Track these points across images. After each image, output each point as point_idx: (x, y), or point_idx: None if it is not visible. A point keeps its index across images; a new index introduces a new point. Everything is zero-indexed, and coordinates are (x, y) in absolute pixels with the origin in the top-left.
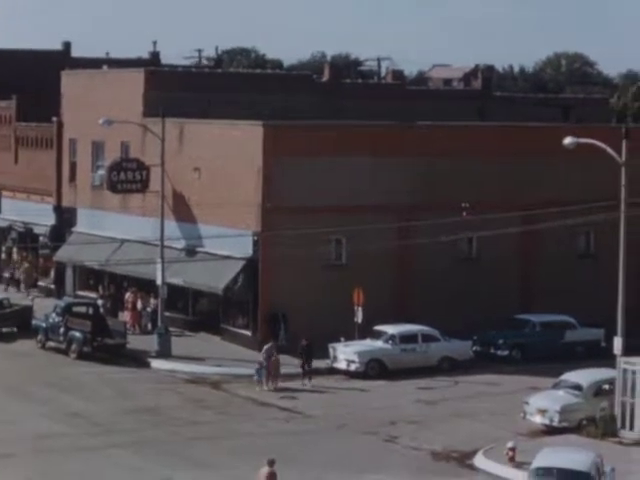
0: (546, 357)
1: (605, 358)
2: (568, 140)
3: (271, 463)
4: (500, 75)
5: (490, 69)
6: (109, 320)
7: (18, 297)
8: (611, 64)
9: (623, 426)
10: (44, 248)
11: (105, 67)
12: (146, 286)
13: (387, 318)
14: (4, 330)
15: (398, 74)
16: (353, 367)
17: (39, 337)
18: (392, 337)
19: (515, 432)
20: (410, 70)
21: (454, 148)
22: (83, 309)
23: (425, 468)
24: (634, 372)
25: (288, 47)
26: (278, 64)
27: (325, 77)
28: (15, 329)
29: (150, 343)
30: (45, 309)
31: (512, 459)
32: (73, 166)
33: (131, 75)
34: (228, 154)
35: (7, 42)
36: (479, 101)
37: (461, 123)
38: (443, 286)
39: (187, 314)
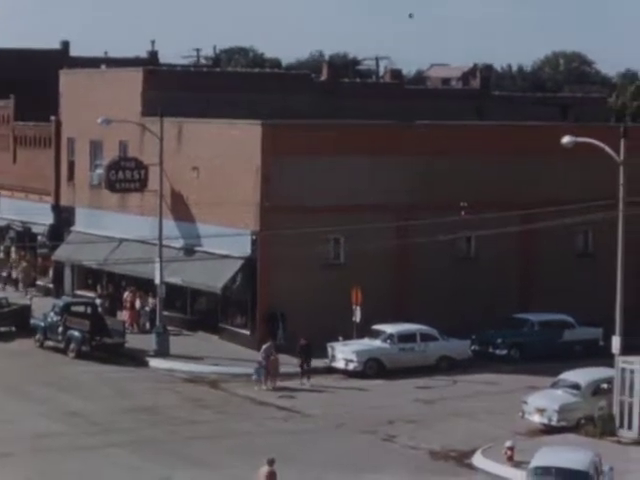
0: (544, 356)
1: (603, 357)
2: (566, 139)
3: (271, 462)
4: (498, 74)
5: (488, 68)
6: (107, 319)
7: (16, 296)
8: (609, 63)
9: (621, 425)
10: (42, 247)
11: (103, 66)
12: (144, 285)
13: (385, 317)
14: (2, 329)
15: (396, 73)
16: (351, 366)
17: (37, 336)
18: (390, 336)
19: (513, 431)
20: (408, 69)
21: (452, 147)
22: (81, 308)
23: (423, 467)
24: (632, 371)
25: (286, 46)
26: (276, 63)
27: (323, 76)
28: (13, 328)
29: (148, 342)
30: (43, 308)
31: (510, 458)
32: (71, 165)
33: (129, 74)
34: (227, 153)
35: (5, 41)
36: (477, 100)
37: (460, 122)
38: (441, 285)
39: (185, 313)
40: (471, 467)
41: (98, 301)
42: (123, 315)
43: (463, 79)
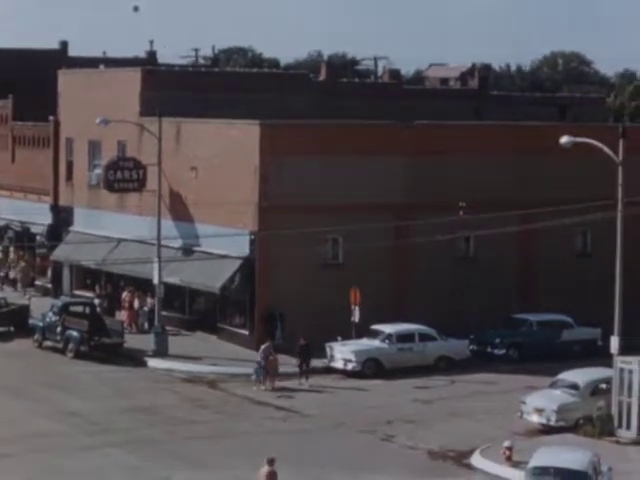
0: (543, 356)
1: (602, 357)
2: (565, 139)
3: (271, 462)
4: (497, 74)
5: (487, 68)
6: (106, 319)
7: (15, 296)
8: (608, 63)
9: (620, 425)
10: (41, 247)
11: (102, 66)
12: (143, 285)
13: (384, 317)
14: (1, 329)
15: (395, 73)
16: (350, 366)
17: (36, 336)
18: (389, 336)
19: (512, 431)
20: (407, 69)
21: (451, 147)
22: (80, 308)
23: (422, 467)
24: (631, 371)
25: (285, 46)
26: (275, 63)
27: (322, 76)
28: (12, 328)
29: (147, 342)
30: (42, 308)
31: (509, 458)
32: (70, 165)
33: (128, 74)
34: (225, 153)
35: (4, 41)
36: (476, 100)
37: (458, 122)
38: (440, 285)
39: (184, 313)
40: (470, 467)
41: (97, 301)
42: (122, 315)
43: (461, 79)
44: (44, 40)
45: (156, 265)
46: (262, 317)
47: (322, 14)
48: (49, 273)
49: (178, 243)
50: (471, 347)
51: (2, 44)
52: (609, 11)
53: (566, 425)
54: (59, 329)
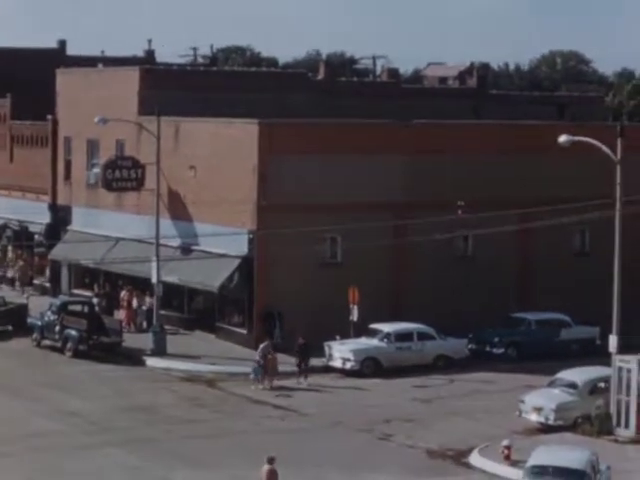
0: (541, 355)
1: (600, 356)
2: (563, 138)
3: (271, 460)
4: (495, 73)
5: (485, 67)
6: (104, 318)
7: (13, 295)
8: (606, 62)
9: (618, 424)
10: (39, 246)
11: (100, 65)
12: (141, 284)
13: (382, 316)
14: None
15: (393, 72)
16: (348, 365)
17: (34, 335)
18: (387, 335)
19: (511, 430)
20: (405, 68)
21: (449, 146)
22: (78, 307)
23: (420, 466)
24: (629, 370)
25: (283, 45)
26: (273, 62)
27: (320, 75)
28: (10, 327)
29: (145, 341)
30: (40, 307)
31: (508, 457)
32: (68, 164)
33: (126, 73)
34: (224, 152)
35: (2, 40)
36: (474, 99)
37: (457, 121)
38: (439, 284)
39: (182, 312)
40: (468, 466)
41: (95, 300)
42: (120, 314)
43: (460, 78)
44: (42, 39)
45: (154, 264)
46: (260, 316)
47: (320, 13)
48: (47, 272)
49: (177, 242)
50: (470, 346)
51: (0, 43)
52: (608, 10)
53: (565, 424)
54: (57, 328)
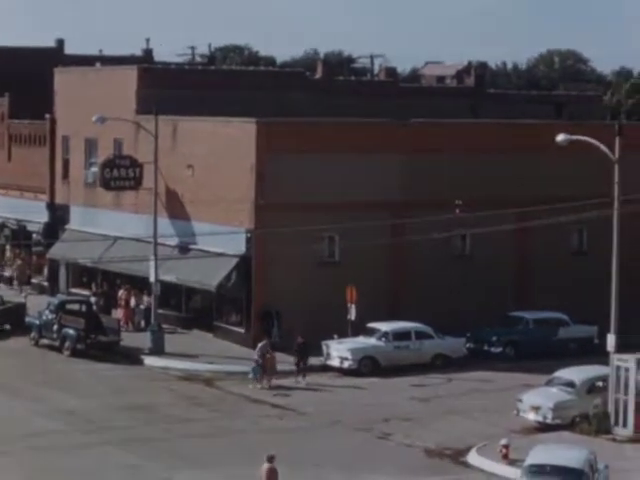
0: (539, 354)
1: (598, 355)
2: (561, 137)
3: (271, 459)
4: (493, 72)
5: (483, 66)
6: (102, 317)
7: (11, 294)
8: (604, 61)
9: (616, 423)
10: (37, 245)
11: (98, 64)
12: (139, 283)
13: (380, 315)
14: None
15: (391, 71)
16: (346, 364)
17: (32, 334)
18: (385, 334)
19: (508, 429)
20: (403, 67)
21: (447, 145)
22: (76, 306)
23: (418, 465)
24: (627, 369)
25: (281, 44)
26: (271, 61)
27: (318, 74)
28: (8, 326)
29: (143, 340)
30: (38, 306)
31: (505, 456)
32: (66, 163)
33: (124, 72)
34: (221, 151)
35: (0, 39)
36: (472, 98)
37: (454, 120)
38: (436, 283)
39: (180, 311)
40: (466, 465)
41: (93, 299)
42: (118, 313)
43: (458, 77)
44: (40, 38)
45: (152, 263)
46: (258, 315)
47: (318, 12)
48: (45, 271)
49: (174, 241)
50: (468, 345)
51: None
52: (606, 9)
53: (562, 423)
54: (55, 327)
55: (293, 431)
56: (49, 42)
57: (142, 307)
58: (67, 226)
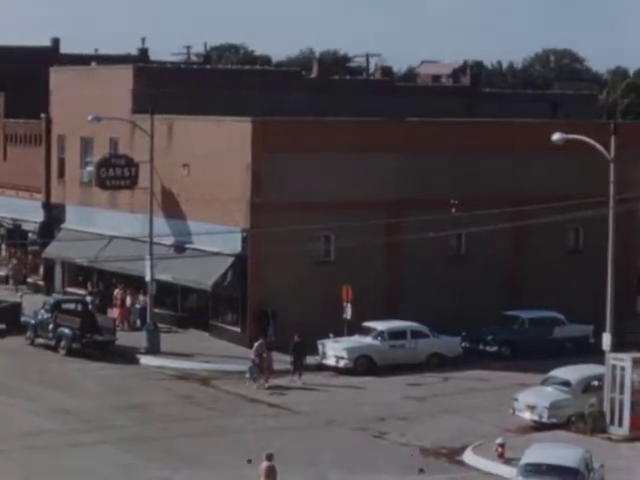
0: (535, 353)
1: (594, 354)
2: (557, 136)
3: (269, 457)
4: (489, 71)
5: (479, 65)
6: (98, 317)
7: (7, 294)
8: (600, 60)
9: (612, 422)
10: (33, 245)
11: (94, 64)
12: (135, 283)
13: (376, 314)
14: None
15: (387, 70)
16: (342, 363)
17: (28, 334)
18: (381, 333)
19: (504, 428)
20: (399, 66)
21: (443, 144)
22: (72, 306)
23: (414, 464)
24: (623, 368)
25: (277, 43)
26: (267, 61)
27: (314, 73)
28: (4, 326)
29: (139, 339)
30: (34, 306)
31: (501, 455)
32: (62, 163)
33: (120, 72)
34: (217, 150)
35: None
36: (468, 97)
37: (450, 119)
38: (432, 282)
39: (176, 310)
40: (462, 464)
41: (88, 298)
42: (114, 312)
43: (453, 76)
44: (36, 37)
45: (148, 262)
46: (254, 314)
47: (314, 11)
48: (41, 270)
49: (170, 240)
50: (463, 344)
51: None
52: (602, 8)
53: (558, 422)
54: (51, 326)
55: (289, 430)
56: (45, 41)
57: (138, 306)
58: (63, 225)
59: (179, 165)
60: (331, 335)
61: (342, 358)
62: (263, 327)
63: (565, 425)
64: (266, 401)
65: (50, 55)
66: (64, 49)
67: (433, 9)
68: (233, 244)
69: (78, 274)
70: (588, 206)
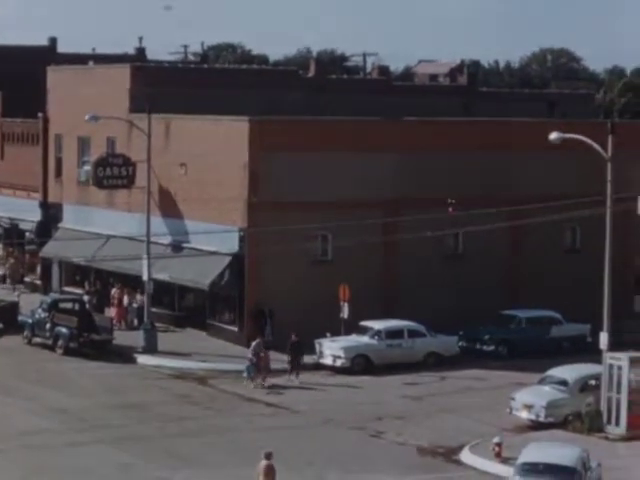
0: (532, 352)
1: (591, 353)
2: (554, 135)
3: (268, 456)
4: (486, 70)
5: (476, 65)
6: (95, 316)
7: (4, 293)
8: (597, 60)
9: (609, 421)
10: (30, 244)
11: (91, 63)
12: (132, 282)
13: (373, 314)
14: None
15: (384, 70)
16: (339, 363)
17: (25, 333)
18: (378, 333)
19: (501, 427)
20: (396, 66)
21: (440, 143)
22: (69, 305)
23: (411, 464)
24: (620, 367)
25: (274, 43)
26: (264, 60)
27: (311, 73)
28: (1, 325)
29: (136, 339)
30: (31, 305)
31: (498, 454)
32: (59, 162)
33: (117, 71)
34: (214, 150)
35: None
36: (465, 96)
37: (447, 118)
38: (429, 282)
39: (173, 310)
40: (459, 463)
41: (86, 298)
42: (111, 312)
43: (450, 75)
44: (33, 37)
45: (145, 262)
46: (251, 314)
47: (311, 11)
48: (38, 270)
49: (167, 240)
50: (460, 343)
51: None
52: (599, 7)
53: (555, 421)
54: (48, 326)
55: (286, 429)
56: (42, 40)
57: (135, 306)
58: (60, 224)
59: (176, 164)
60: (328, 334)
61: (339, 357)
62: (260, 326)
63: (562, 424)
64: (263, 400)
65: (47, 54)
66: (61, 48)
67: (430, 8)
68: (230, 243)
69: (75, 273)
70: (585, 205)
